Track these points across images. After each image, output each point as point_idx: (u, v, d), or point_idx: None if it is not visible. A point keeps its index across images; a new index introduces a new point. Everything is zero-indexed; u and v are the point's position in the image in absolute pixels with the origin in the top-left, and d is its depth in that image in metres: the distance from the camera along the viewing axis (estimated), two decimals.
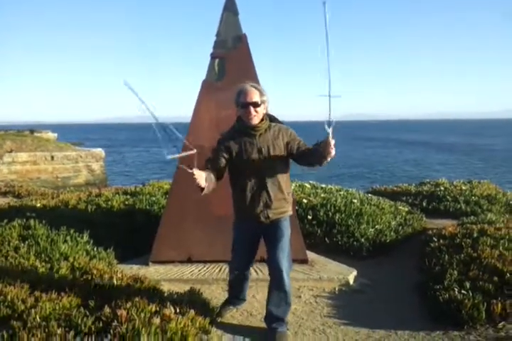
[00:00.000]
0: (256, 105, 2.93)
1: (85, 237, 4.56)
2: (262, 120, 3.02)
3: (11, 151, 28.11)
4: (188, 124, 4.63)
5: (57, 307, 3.08)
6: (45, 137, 38.93)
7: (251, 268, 3.52)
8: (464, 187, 8.21)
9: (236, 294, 3.58)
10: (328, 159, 2.77)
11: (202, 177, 2.72)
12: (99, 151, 32.17)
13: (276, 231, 3.13)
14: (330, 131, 2.61)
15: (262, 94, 2.97)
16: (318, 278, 4.25)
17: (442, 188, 8.24)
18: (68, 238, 4.45)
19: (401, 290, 4.18)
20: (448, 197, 7.66)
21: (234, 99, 3.03)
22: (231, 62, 4.66)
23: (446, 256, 4.30)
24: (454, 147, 59.94)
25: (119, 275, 3.69)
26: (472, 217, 6.09)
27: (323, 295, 4.04)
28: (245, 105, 2.93)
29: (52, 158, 29.73)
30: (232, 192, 3.19)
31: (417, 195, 8.06)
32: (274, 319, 3.18)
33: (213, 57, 4.70)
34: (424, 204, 7.58)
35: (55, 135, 46.04)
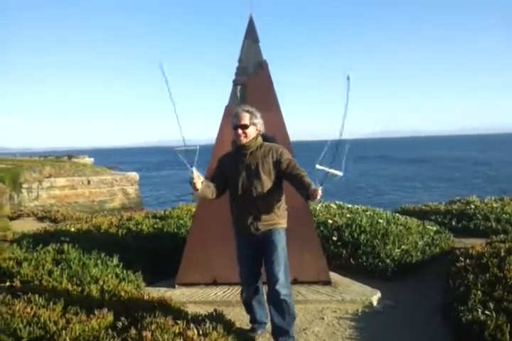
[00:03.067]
0: (244, 127, 3.20)
1: (115, 261, 4.74)
2: (252, 140, 3.24)
3: (49, 176, 29.15)
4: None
5: (86, 329, 3.23)
6: (82, 162, 40.23)
7: (262, 288, 3.55)
8: (495, 205, 8.05)
9: (253, 317, 3.64)
10: (311, 203, 3.01)
11: (199, 182, 3.02)
12: (134, 175, 32.93)
13: (269, 244, 3.27)
14: (320, 187, 2.81)
15: (253, 116, 3.23)
16: (341, 299, 4.28)
17: (473, 206, 8.11)
18: (99, 262, 4.64)
19: (425, 312, 4.14)
20: (478, 215, 7.53)
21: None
22: (252, 88, 4.83)
23: (472, 276, 4.26)
24: None
25: (146, 297, 3.83)
26: (502, 236, 5.97)
27: (346, 316, 4.05)
28: (235, 127, 3.23)
29: (89, 182, 30.63)
30: (230, 207, 3.43)
31: (447, 214, 7.95)
32: (279, 332, 3.26)
33: (235, 83, 4.88)
34: (454, 223, 7.47)
35: (92, 160, 47.47)
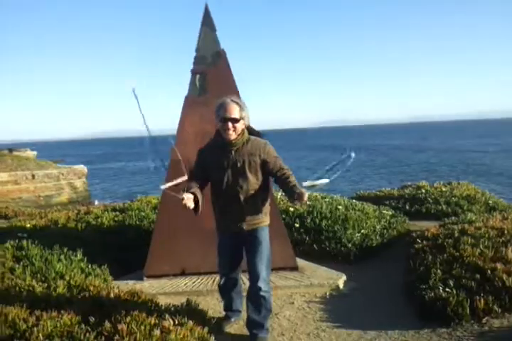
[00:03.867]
0: (235, 121, 3.00)
1: (79, 255, 4.63)
2: (239, 136, 3.07)
3: None
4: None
5: (58, 325, 3.15)
6: (24, 155, 38.46)
7: (241, 279, 3.57)
8: (444, 189, 8.47)
9: (229, 305, 3.62)
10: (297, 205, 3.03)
11: (191, 199, 2.83)
12: (82, 168, 31.90)
13: (253, 240, 3.20)
14: (306, 196, 2.78)
15: (241, 109, 3.03)
16: (309, 284, 4.39)
17: (423, 191, 8.50)
18: (62, 257, 4.51)
19: (389, 292, 4.34)
20: (429, 199, 7.92)
21: (214, 111, 3.09)
22: (211, 77, 4.80)
23: (430, 257, 4.48)
24: None
25: (116, 290, 3.76)
26: (453, 218, 6.30)
27: (315, 300, 4.18)
28: (224, 120, 2.99)
29: (34, 176, 29.38)
30: (212, 204, 3.28)
31: (400, 199, 8.30)
32: (254, 325, 3.29)
33: (194, 72, 4.83)
34: (407, 207, 7.81)
35: (35, 153, 45.50)
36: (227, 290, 3.54)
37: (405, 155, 54.95)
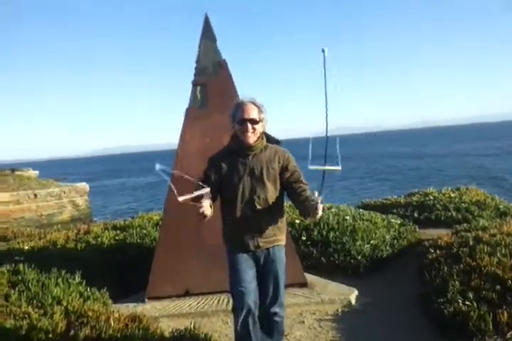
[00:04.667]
0: (254, 122, 2.71)
1: (77, 278, 4.41)
2: (258, 139, 2.79)
3: None
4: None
5: None
6: (26, 175, 38.39)
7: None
8: (452, 195, 8.25)
9: None
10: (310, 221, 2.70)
11: (208, 207, 2.53)
12: (83, 185, 31.73)
13: (270, 260, 2.85)
14: (319, 200, 2.47)
15: (260, 110, 2.76)
16: (319, 301, 4.17)
17: (431, 197, 8.27)
18: (60, 280, 4.30)
19: (404, 306, 4.12)
20: (438, 205, 7.69)
21: (230, 114, 2.82)
22: (213, 88, 4.66)
23: (446, 267, 4.27)
24: None
25: (116, 315, 3.57)
26: (465, 225, 6.10)
27: (327, 318, 3.95)
28: (242, 121, 2.71)
29: (36, 195, 29.23)
30: (222, 216, 2.92)
31: (407, 206, 8.08)
32: None
33: (195, 84, 4.69)
34: (416, 214, 7.58)
35: (37, 172, 45.44)
36: (248, 332, 2.80)
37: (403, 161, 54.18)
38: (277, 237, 2.87)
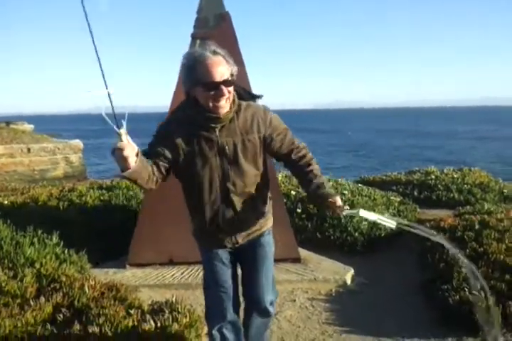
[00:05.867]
0: (228, 84, 1.91)
1: (55, 239, 4.09)
2: (231, 105, 2.00)
3: None
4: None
5: (19, 324, 2.68)
6: (21, 129, 37.81)
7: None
8: (455, 175, 7.95)
9: None
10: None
11: (132, 145, 1.74)
12: (77, 142, 31.30)
13: (254, 253, 2.26)
14: (338, 201, 2.00)
15: (228, 62, 1.95)
16: (313, 278, 3.90)
17: (433, 177, 7.97)
18: (35, 240, 3.97)
19: (404, 290, 3.84)
20: (439, 186, 7.40)
21: (184, 74, 2.00)
22: (213, 41, 4.24)
23: (449, 251, 3.99)
24: None
25: (92, 282, 3.28)
26: (468, 207, 5.83)
27: (320, 298, 3.69)
28: (213, 85, 1.88)
29: (29, 150, 28.81)
30: (187, 207, 2.25)
31: (408, 184, 7.78)
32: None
33: (194, 37, 4.27)
34: (416, 193, 7.30)
35: (32, 126, 44.80)
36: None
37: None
38: (261, 225, 2.24)
